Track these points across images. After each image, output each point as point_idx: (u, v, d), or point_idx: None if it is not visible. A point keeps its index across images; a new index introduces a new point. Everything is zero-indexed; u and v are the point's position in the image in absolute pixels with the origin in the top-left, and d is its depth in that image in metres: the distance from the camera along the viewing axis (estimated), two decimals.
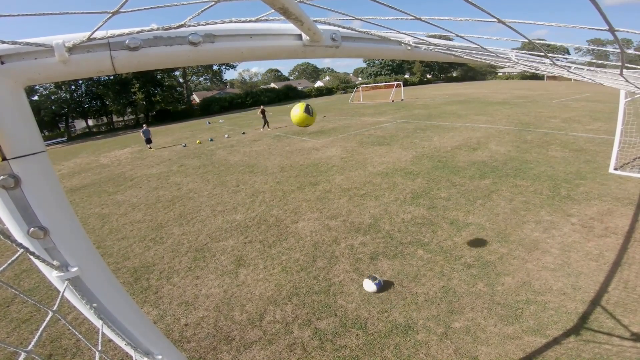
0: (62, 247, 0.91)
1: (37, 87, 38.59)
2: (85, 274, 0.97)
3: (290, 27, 1.02)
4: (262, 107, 20.58)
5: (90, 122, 46.99)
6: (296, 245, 5.32)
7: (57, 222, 0.88)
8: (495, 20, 0.76)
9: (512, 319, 3.37)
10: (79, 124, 47.07)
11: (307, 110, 2.78)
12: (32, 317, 4.22)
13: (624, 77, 1.55)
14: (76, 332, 1.07)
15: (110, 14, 0.69)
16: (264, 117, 19.55)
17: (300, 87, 60.74)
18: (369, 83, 55.23)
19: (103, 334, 1.05)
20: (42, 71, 0.75)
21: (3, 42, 0.69)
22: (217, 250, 5.46)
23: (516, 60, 1.79)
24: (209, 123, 29.49)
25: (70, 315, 4.01)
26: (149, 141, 17.57)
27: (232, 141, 16.82)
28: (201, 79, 58.40)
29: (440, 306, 3.64)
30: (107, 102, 41.54)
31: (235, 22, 0.92)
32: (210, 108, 45.61)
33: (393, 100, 30.27)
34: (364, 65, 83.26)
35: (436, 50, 1.52)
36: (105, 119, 46.92)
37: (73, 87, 41.00)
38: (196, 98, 54.23)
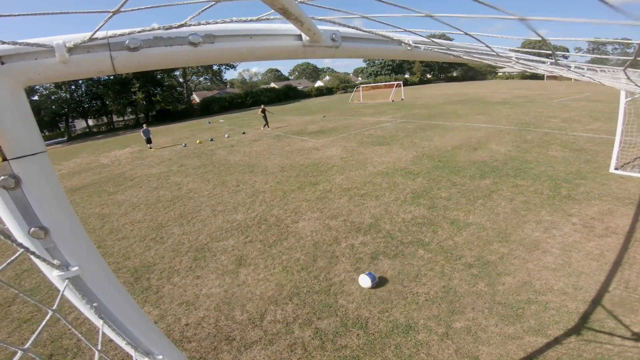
0: (63, 246, 0.91)
1: (37, 87, 38.61)
2: (85, 274, 0.97)
3: (290, 27, 1.02)
4: (262, 106, 20.59)
5: (91, 122, 47.00)
6: (297, 245, 5.32)
7: (58, 221, 0.88)
8: (517, 17, 0.74)
9: (513, 318, 3.37)
10: (79, 124, 47.08)
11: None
12: (33, 317, 4.22)
13: (626, 75, 1.54)
14: (76, 332, 1.07)
15: (111, 14, 0.69)
16: (265, 116, 19.56)
17: (300, 87, 60.72)
18: (369, 83, 55.19)
19: (103, 333, 1.05)
20: (43, 71, 0.74)
21: (3, 43, 0.69)
22: (217, 250, 5.46)
23: (516, 60, 1.78)
24: (209, 123, 29.49)
25: (71, 315, 4.01)
26: (149, 141, 17.57)
27: (232, 141, 16.82)
28: (201, 78, 58.41)
29: (441, 306, 3.64)
30: (107, 102, 41.53)
31: (235, 21, 0.92)
32: (210, 108, 45.60)
33: (393, 100, 30.26)
34: (364, 65, 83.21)
35: (436, 50, 1.52)
36: (105, 119, 46.91)
37: (73, 87, 41.01)
38: (196, 98, 54.23)
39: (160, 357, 1.32)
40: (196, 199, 8.18)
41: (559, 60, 1.50)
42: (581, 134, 10.63)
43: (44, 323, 0.87)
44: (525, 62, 1.78)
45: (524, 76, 63.29)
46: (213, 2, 0.80)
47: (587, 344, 3.00)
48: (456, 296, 3.77)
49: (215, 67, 53.97)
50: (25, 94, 0.77)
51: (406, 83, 51.83)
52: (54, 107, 39.41)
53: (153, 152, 16.50)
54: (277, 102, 49.35)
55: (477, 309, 3.55)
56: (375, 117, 20.12)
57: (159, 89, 43.71)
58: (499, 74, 71.27)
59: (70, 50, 0.74)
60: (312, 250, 5.11)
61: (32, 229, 0.83)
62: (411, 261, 4.54)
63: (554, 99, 21.43)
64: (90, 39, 0.75)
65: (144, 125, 18.68)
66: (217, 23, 0.89)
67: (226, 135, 18.97)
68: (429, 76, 77.87)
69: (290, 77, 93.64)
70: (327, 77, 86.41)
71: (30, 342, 0.77)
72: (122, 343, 1.20)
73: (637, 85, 2.73)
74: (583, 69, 2.40)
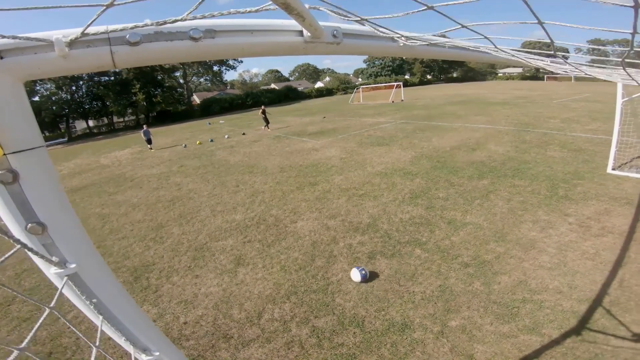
0: (60, 243, 0.90)
1: (38, 87, 38.70)
2: (83, 271, 0.96)
3: (291, 23, 1.01)
4: (262, 107, 20.63)
5: (91, 122, 47.05)
6: (295, 244, 5.34)
7: (56, 217, 0.88)
8: (537, 22, 0.75)
9: (508, 317, 3.39)
10: (80, 125, 47.11)
11: None
12: (32, 316, 4.25)
13: (624, 68, 1.55)
14: (74, 329, 1.09)
15: (105, 7, 0.69)
16: (265, 117, 19.59)
17: (300, 88, 60.78)
18: (369, 84, 55.20)
19: (102, 331, 1.07)
20: (42, 66, 0.75)
21: (3, 37, 0.69)
22: (216, 249, 5.48)
23: (512, 55, 1.80)
24: (209, 124, 29.54)
25: (70, 314, 4.04)
26: (149, 142, 17.61)
27: (232, 142, 16.85)
28: (201, 79, 58.48)
29: (437, 305, 3.67)
30: (107, 103, 41.59)
31: (234, 12, 0.91)
32: (210, 109, 45.65)
33: (393, 101, 30.29)
34: (364, 65, 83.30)
35: (440, 46, 1.52)
36: (105, 120, 46.97)
37: (74, 87, 41.09)
38: (196, 99, 54.30)
39: (157, 354, 1.33)
40: (196, 199, 8.21)
41: (558, 59, 1.53)
42: (580, 135, 10.65)
43: (40, 321, 0.88)
44: (523, 58, 1.80)
45: (524, 77, 63.32)
46: None
47: (582, 342, 3.02)
48: (452, 295, 3.79)
49: (215, 68, 54.12)
50: (24, 89, 0.77)
51: (406, 84, 51.85)
52: (54, 107, 39.46)
53: (153, 153, 16.53)
54: (277, 103, 49.38)
55: (472, 307, 3.57)
56: (374, 118, 20.15)
57: (159, 89, 43.80)
58: (499, 74, 71.32)
59: (70, 44, 0.74)
60: (310, 249, 5.13)
61: (30, 224, 0.83)
62: (408, 260, 4.56)
63: (553, 100, 21.45)
64: (91, 34, 0.75)
65: (145, 126, 18.72)
66: (214, 17, 0.88)
67: (226, 136, 19.01)
68: (429, 77, 77.90)
69: (290, 78, 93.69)
70: (327, 78, 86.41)
71: (26, 341, 0.76)
72: (120, 340, 1.20)
73: (634, 78, 2.74)
74: (582, 64, 2.41)
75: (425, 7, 0.86)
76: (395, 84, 37.50)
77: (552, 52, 1.31)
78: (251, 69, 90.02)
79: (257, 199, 7.65)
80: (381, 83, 54.14)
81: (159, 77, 43.95)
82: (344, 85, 63.86)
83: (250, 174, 10.03)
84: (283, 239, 5.59)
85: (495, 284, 3.89)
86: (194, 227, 6.50)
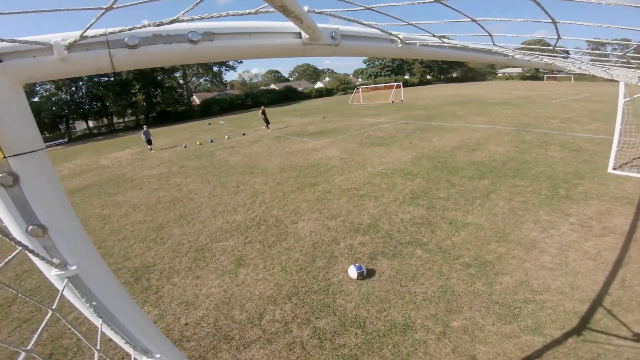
0: (61, 245, 0.90)
1: (38, 88, 38.71)
2: (84, 273, 0.96)
3: (289, 25, 1.01)
4: (262, 107, 20.63)
5: (91, 123, 47.09)
6: (296, 245, 5.33)
7: (56, 220, 0.88)
8: (550, 21, 0.75)
9: (510, 318, 3.38)
10: (80, 125, 47.16)
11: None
12: (33, 317, 4.24)
13: (627, 59, 1.54)
14: (76, 332, 1.09)
15: (104, 10, 0.69)
16: (265, 118, 19.59)
17: (300, 88, 60.82)
18: (369, 84, 55.23)
19: (102, 333, 1.06)
20: (41, 69, 0.75)
21: (2, 40, 0.69)
22: (217, 250, 5.47)
23: (513, 55, 1.80)
24: (209, 124, 29.54)
25: (70, 315, 4.03)
26: (149, 142, 17.61)
27: (232, 142, 16.84)
28: (201, 80, 58.51)
29: (438, 305, 3.65)
30: (107, 104, 41.62)
31: (232, 14, 0.91)
32: (210, 109, 45.67)
33: (393, 101, 30.30)
34: (364, 66, 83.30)
35: (439, 46, 1.52)
36: (105, 120, 47.02)
37: (73, 88, 41.11)
38: (196, 99, 54.33)
39: (159, 355, 1.33)
40: (196, 200, 8.20)
41: (559, 58, 1.52)
42: (580, 135, 10.64)
43: (44, 323, 0.88)
44: (523, 56, 1.79)
45: (524, 77, 63.35)
46: None
47: (584, 343, 3.01)
48: (454, 295, 3.78)
49: (215, 69, 54.11)
50: (23, 92, 0.77)
51: (406, 84, 51.88)
52: (54, 108, 39.50)
53: (153, 154, 16.52)
54: (277, 103, 49.39)
55: (474, 308, 3.56)
56: (374, 118, 20.15)
57: (159, 90, 43.83)
58: (499, 74, 71.36)
59: (69, 47, 0.74)
60: (311, 250, 5.12)
61: (30, 227, 0.83)
62: (409, 261, 4.55)
63: (553, 100, 21.45)
64: (89, 37, 0.75)
65: (145, 126, 18.72)
66: (212, 18, 0.88)
67: (226, 137, 19.00)
68: (428, 77, 77.93)
69: (290, 79, 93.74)
70: (327, 79, 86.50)
71: (32, 342, 0.78)
72: (120, 342, 1.20)
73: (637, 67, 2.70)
74: (582, 62, 2.40)
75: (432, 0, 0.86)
76: (395, 84, 37.52)
77: (554, 50, 1.31)
78: (251, 70, 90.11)
79: (258, 200, 7.64)
80: (381, 83, 54.16)
81: (159, 78, 43.98)
82: (344, 86, 63.91)
83: (250, 174, 10.02)
84: (284, 239, 5.57)
85: (497, 285, 3.88)
86: (194, 228, 6.49)
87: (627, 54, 1.40)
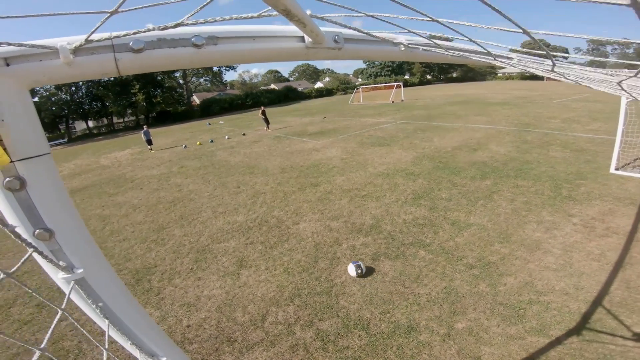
0: (68, 248, 0.91)
1: (38, 88, 38.70)
2: (90, 275, 0.97)
3: (293, 29, 1.02)
4: (262, 108, 20.62)
5: (91, 123, 47.10)
6: (298, 246, 5.31)
7: (63, 224, 0.88)
8: (520, 31, 0.74)
9: (514, 319, 3.36)
10: (79, 126, 47.18)
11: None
12: (33, 319, 4.22)
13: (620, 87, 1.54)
14: (84, 332, 1.08)
15: (109, 14, 0.69)
16: (265, 117, 19.57)
17: (300, 88, 60.83)
18: (369, 84, 55.21)
19: (109, 335, 1.05)
20: (47, 73, 0.74)
21: (9, 44, 0.69)
22: (218, 251, 5.45)
23: (517, 62, 1.78)
24: (209, 124, 29.53)
25: (72, 316, 4.00)
26: (149, 142, 17.60)
27: (232, 142, 16.83)
28: (201, 80, 58.55)
29: (442, 307, 3.64)
30: (107, 104, 41.63)
31: (235, 18, 0.91)
32: (210, 109, 45.67)
33: (393, 101, 30.29)
34: (363, 66, 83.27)
35: (440, 51, 1.52)
36: (105, 120, 47.03)
37: (73, 88, 41.12)
38: (196, 99, 54.32)
39: (164, 359, 1.32)
40: (197, 201, 8.18)
41: (558, 61, 1.51)
42: (581, 135, 10.63)
43: (55, 322, 0.88)
44: (524, 65, 1.78)
45: (524, 77, 63.32)
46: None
47: (589, 344, 2.99)
48: (458, 297, 3.76)
49: (215, 69, 54.12)
50: (30, 96, 0.76)
51: (406, 84, 51.84)
52: (54, 108, 39.52)
53: (153, 154, 16.51)
54: (277, 103, 49.40)
55: (478, 309, 3.54)
56: (375, 118, 20.14)
57: (159, 90, 43.85)
58: (499, 74, 71.33)
59: (75, 51, 0.74)
60: (313, 251, 5.10)
61: (37, 230, 0.83)
62: (412, 262, 4.53)
63: (553, 100, 21.45)
64: (95, 41, 0.75)
65: (145, 126, 18.71)
66: (216, 21, 0.88)
67: (226, 137, 18.99)
68: (428, 77, 77.93)
69: (290, 79, 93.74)
70: (327, 78, 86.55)
71: (45, 341, 0.77)
72: (126, 344, 1.20)
73: (632, 95, 2.72)
74: (582, 78, 2.39)
75: (431, 19, 0.85)
76: (395, 84, 37.53)
77: (552, 64, 1.29)
78: (251, 70, 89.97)
79: (259, 200, 7.62)
80: (381, 83, 54.17)
81: (159, 78, 43.98)
82: (344, 86, 63.94)
83: (251, 174, 10.00)
84: (285, 240, 5.56)
85: (501, 286, 3.86)
86: (195, 229, 6.47)
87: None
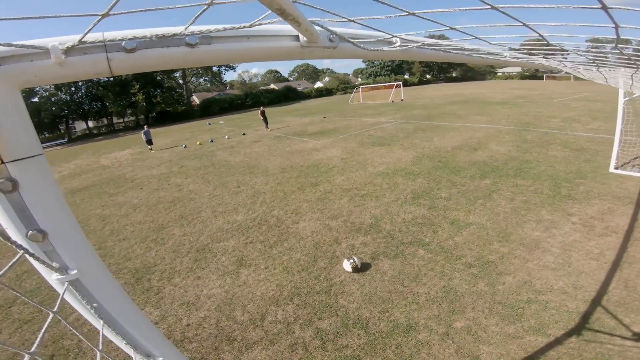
0: (61, 249, 0.90)
1: (37, 88, 38.70)
2: (84, 276, 0.97)
3: (287, 28, 1.02)
4: (261, 108, 20.60)
5: (91, 123, 47.07)
6: (297, 245, 5.32)
7: (56, 225, 0.88)
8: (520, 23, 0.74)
9: (513, 318, 3.36)
10: (79, 126, 47.15)
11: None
12: (33, 318, 4.22)
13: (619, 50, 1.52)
14: (77, 333, 1.07)
15: (100, 17, 0.69)
16: (264, 117, 19.56)
17: (300, 88, 60.76)
18: (369, 83, 55.16)
19: (104, 334, 1.05)
20: (38, 73, 0.74)
21: None
22: (218, 250, 5.46)
23: (510, 58, 1.78)
24: (209, 124, 29.52)
25: (72, 316, 4.01)
26: (149, 142, 17.60)
27: (232, 142, 16.83)
28: (201, 80, 58.50)
29: (441, 306, 3.64)
30: (107, 104, 41.57)
31: (229, 29, 0.91)
32: (210, 109, 45.63)
33: (393, 101, 30.26)
34: (363, 65, 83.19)
35: (433, 49, 1.52)
36: (105, 121, 46.99)
37: (73, 88, 41.07)
38: (196, 99, 54.28)
39: (161, 359, 1.32)
40: (197, 200, 8.18)
41: (553, 58, 1.51)
42: (581, 134, 10.62)
43: (45, 325, 0.87)
44: (519, 57, 1.78)
45: (524, 76, 63.27)
46: (206, 5, 0.79)
47: (588, 343, 3.00)
48: (456, 296, 3.76)
49: (215, 69, 54.11)
50: (21, 97, 0.76)
51: (406, 84, 51.79)
52: (53, 108, 39.48)
53: (153, 154, 16.51)
54: (277, 103, 49.37)
55: (477, 308, 3.54)
56: (375, 117, 20.13)
57: (159, 90, 43.79)
58: (499, 74, 71.28)
59: (66, 52, 0.74)
60: (312, 250, 5.11)
61: (30, 232, 0.82)
62: (411, 261, 4.53)
63: (553, 99, 21.43)
64: (87, 41, 0.75)
65: (145, 126, 18.70)
66: (210, 32, 0.89)
67: (226, 137, 18.98)
68: (428, 77, 77.82)
69: (289, 78, 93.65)
70: (327, 78, 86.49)
71: (35, 344, 0.76)
72: (121, 344, 1.20)
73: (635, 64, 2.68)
74: (579, 68, 2.39)
75: (407, 13, 0.86)
76: (395, 83, 37.49)
77: (549, 51, 1.30)
78: (251, 70, 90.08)
79: (259, 200, 7.63)
80: (380, 83, 54.12)
81: (158, 78, 43.92)
82: (344, 85, 63.87)
83: (251, 174, 10.01)
84: (285, 239, 5.56)
85: (500, 285, 3.87)
86: (195, 228, 6.47)
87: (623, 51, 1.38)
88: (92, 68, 0.79)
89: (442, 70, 78.64)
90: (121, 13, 0.71)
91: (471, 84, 56.97)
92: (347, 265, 4.44)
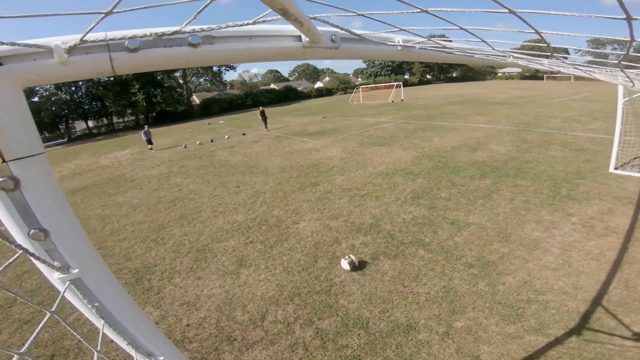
0: (63, 248, 0.90)
1: (37, 88, 38.68)
2: (85, 275, 0.97)
3: (290, 28, 1.02)
4: (261, 108, 20.60)
5: (91, 123, 47.06)
6: (297, 245, 5.32)
7: (58, 223, 0.88)
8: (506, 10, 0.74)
9: (513, 318, 3.36)
10: (79, 125, 47.14)
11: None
12: (34, 318, 4.22)
13: (621, 69, 1.54)
14: (74, 333, 1.07)
15: (104, 15, 0.68)
16: (264, 117, 19.55)
17: (300, 88, 60.76)
18: (369, 84, 55.16)
19: (104, 334, 1.05)
20: (41, 72, 0.74)
21: (2, 44, 0.68)
22: (218, 250, 5.46)
23: (514, 60, 1.78)
24: (209, 124, 29.52)
25: (72, 316, 4.01)
26: (149, 142, 17.60)
27: (232, 142, 16.82)
28: (201, 80, 58.50)
29: (441, 306, 3.64)
30: (107, 104, 41.58)
31: (232, 26, 0.91)
32: (210, 109, 45.63)
33: (393, 101, 30.27)
34: (363, 65, 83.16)
35: (436, 50, 1.52)
36: (105, 120, 46.99)
37: (73, 88, 41.08)
38: (196, 99, 54.27)
39: (162, 358, 1.32)
40: (197, 200, 8.18)
41: (555, 59, 1.51)
42: (581, 134, 10.62)
43: (41, 325, 0.86)
44: (521, 58, 1.78)
45: (524, 76, 63.30)
46: (208, 1, 0.79)
47: (588, 343, 3.00)
48: (457, 296, 3.76)
49: (215, 69, 54.11)
50: (23, 96, 0.76)
51: (406, 84, 51.77)
52: (54, 108, 39.47)
53: (153, 154, 16.51)
54: (277, 103, 49.37)
55: (477, 308, 3.54)
56: (375, 117, 20.13)
57: (159, 90, 43.80)
58: (499, 74, 71.31)
59: (69, 51, 0.74)
60: (312, 250, 5.11)
61: (32, 230, 0.82)
62: (412, 261, 4.53)
63: (553, 99, 21.44)
64: (90, 40, 0.75)
65: (146, 126, 18.70)
66: (212, 30, 0.89)
67: (226, 137, 18.98)
68: (428, 77, 77.83)
69: (290, 78, 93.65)
70: (327, 78, 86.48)
71: (26, 345, 0.75)
72: (123, 344, 1.20)
73: (631, 80, 2.72)
74: (581, 69, 2.40)
75: (420, 10, 0.86)
76: (395, 83, 37.49)
77: (550, 54, 1.30)
78: (251, 69, 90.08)
79: (259, 200, 7.63)
80: (381, 83, 54.12)
81: (159, 78, 43.93)
82: (344, 85, 63.89)
83: (251, 174, 10.01)
84: (285, 239, 5.56)
85: (500, 285, 3.87)
86: (195, 228, 6.47)
87: (622, 62, 1.38)
88: (95, 67, 0.79)
89: (442, 71, 78.65)
90: (124, 11, 0.71)
91: (471, 84, 56.98)
92: (344, 264, 4.47)
